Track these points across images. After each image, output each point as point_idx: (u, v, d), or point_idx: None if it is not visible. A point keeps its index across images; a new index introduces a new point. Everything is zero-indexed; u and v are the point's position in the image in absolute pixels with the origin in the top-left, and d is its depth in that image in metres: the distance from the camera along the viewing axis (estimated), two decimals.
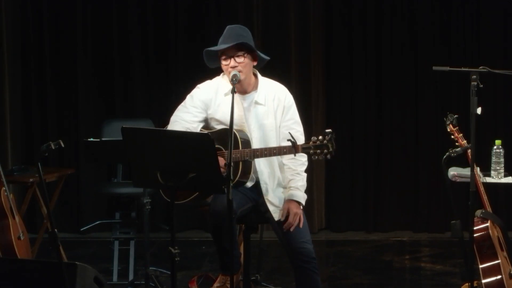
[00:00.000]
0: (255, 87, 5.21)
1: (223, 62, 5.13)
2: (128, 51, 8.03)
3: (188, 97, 5.27)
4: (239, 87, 5.14)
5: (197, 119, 5.21)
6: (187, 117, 5.20)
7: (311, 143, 4.85)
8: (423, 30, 7.89)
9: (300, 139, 5.08)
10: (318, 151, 4.82)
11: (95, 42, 8.04)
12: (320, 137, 4.83)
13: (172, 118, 5.25)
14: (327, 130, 4.84)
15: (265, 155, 5.02)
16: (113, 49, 8.04)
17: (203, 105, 5.20)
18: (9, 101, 7.99)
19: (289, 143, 4.86)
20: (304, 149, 4.87)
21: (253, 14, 7.95)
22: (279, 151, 5.00)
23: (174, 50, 8.02)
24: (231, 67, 5.08)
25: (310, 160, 5.08)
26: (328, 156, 4.83)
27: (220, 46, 5.12)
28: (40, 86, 8.05)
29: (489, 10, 7.80)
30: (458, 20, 7.84)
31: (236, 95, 5.07)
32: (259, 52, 5.17)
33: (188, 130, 5.11)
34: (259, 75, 5.25)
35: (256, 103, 5.18)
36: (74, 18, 8.00)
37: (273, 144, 5.15)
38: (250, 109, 5.18)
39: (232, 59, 5.09)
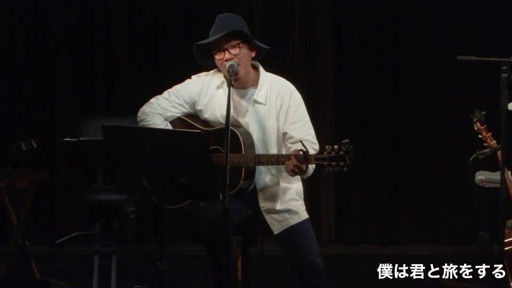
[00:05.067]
0: (255, 82, 5.15)
1: (217, 57, 5.05)
2: (111, 41, 8.06)
3: (177, 85, 5.25)
4: (235, 82, 5.05)
5: (175, 110, 5.20)
6: (164, 103, 5.19)
7: (325, 153, 4.73)
8: (444, 16, 7.88)
9: (314, 147, 5.03)
10: (334, 163, 4.71)
11: (74, 32, 8.06)
12: (336, 147, 4.71)
13: (152, 99, 5.24)
14: (344, 141, 4.72)
15: (272, 163, 4.94)
16: (94, 39, 8.06)
17: (188, 99, 5.18)
18: None
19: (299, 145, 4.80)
20: (318, 160, 4.75)
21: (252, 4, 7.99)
22: (288, 159, 4.92)
23: (162, 41, 8.05)
24: (226, 61, 5.00)
25: (319, 170, 4.96)
26: (345, 169, 4.71)
27: (211, 38, 5.03)
28: (11, 79, 8.07)
29: None
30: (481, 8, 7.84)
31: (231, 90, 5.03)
32: (256, 41, 5.09)
33: (161, 116, 5.14)
34: (261, 69, 5.18)
35: (256, 101, 5.12)
36: (51, 7, 8.02)
37: (273, 147, 5.11)
38: (248, 108, 5.13)
39: (226, 52, 5.01)
